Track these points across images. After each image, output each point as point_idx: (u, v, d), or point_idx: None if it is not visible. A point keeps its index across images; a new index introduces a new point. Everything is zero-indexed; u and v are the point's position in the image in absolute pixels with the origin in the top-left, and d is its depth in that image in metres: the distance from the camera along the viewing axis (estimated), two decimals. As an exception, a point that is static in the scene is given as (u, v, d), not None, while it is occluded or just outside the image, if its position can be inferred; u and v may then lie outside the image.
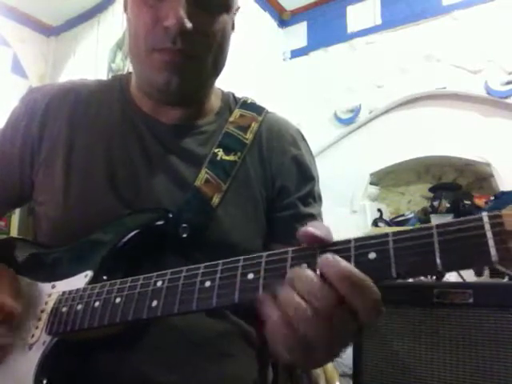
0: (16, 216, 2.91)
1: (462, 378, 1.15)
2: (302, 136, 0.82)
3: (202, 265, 0.46)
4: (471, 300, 1.17)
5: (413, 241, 0.36)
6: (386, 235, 0.37)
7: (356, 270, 0.37)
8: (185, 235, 0.63)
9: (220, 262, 0.45)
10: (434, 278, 1.45)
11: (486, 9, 2.45)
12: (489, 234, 0.32)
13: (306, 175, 0.77)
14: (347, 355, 1.51)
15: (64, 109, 0.73)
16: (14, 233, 2.94)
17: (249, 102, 0.80)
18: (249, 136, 0.74)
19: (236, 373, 0.66)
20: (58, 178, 0.68)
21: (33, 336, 0.57)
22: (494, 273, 1.55)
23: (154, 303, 0.47)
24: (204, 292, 0.44)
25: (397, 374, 1.27)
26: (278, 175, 0.74)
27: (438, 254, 0.34)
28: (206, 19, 0.64)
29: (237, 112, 0.77)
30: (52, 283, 0.61)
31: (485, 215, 0.33)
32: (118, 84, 0.77)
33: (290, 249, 0.41)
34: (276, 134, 0.77)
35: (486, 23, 2.43)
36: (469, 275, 1.70)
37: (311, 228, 0.40)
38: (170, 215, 0.63)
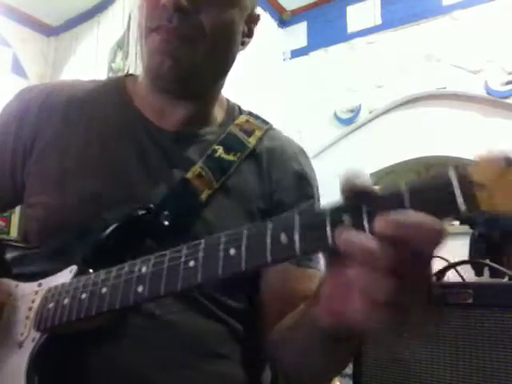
0: (16, 216, 2.91)
1: (462, 378, 1.15)
2: (305, 154, 0.81)
3: (185, 245, 0.47)
4: (471, 300, 1.17)
5: (385, 201, 0.37)
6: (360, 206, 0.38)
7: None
8: (167, 223, 0.63)
9: (202, 240, 0.46)
10: (435, 277, 1.45)
11: (486, 9, 2.46)
12: (455, 184, 0.34)
13: (304, 192, 0.75)
14: (347, 355, 1.51)
15: (58, 108, 0.72)
16: (13, 233, 2.94)
17: (254, 114, 0.80)
18: (251, 141, 0.73)
19: (230, 372, 0.66)
20: (52, 178, 0.68)
21: (22, 334, 0.57)
22: (494, 273, 1.55)
23: (140, 288, 0.48)
24: (188, 271, 0.45)
25: (397, 374, 1.27)
26: (277, 189, 0.73)
27: (408, 205, 0.35)
28: (206, 4, 0.65)
29: (243, 117, 0.76)
30: (38, 282, 0.61)
31: (451, 168, 0.36)
32: (114, 85, 0.76)
33: (269, 219, 0.42)
34: (279, 148, 0.76)
35: (486, 23, 2.43)
36: (469, 275, 1.70)
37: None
38: (151, 205, 0.63)
